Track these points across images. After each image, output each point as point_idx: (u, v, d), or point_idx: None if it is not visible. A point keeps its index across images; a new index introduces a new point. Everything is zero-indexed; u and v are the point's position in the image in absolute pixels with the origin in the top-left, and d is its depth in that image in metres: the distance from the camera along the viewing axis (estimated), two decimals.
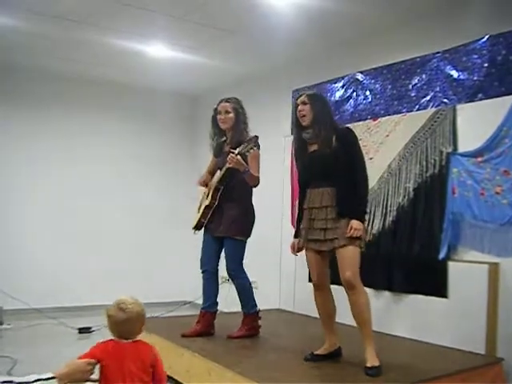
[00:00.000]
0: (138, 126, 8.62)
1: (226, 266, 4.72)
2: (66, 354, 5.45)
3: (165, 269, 8.55)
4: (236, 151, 4.38)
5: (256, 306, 4.79)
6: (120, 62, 7.26)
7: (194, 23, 5.72)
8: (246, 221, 4.69)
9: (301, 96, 4.11)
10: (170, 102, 8.81)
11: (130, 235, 8.40)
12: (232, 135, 4.71)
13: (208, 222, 4.75)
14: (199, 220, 4.77)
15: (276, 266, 6.54)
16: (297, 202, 6.28)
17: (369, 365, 3.68)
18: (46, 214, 7.80)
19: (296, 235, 4.24)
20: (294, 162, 4.42)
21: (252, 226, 4.76)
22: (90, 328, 6.47)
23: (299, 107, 4.05)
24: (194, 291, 7.70)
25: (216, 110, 4.80)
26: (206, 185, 4.90)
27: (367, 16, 5.40)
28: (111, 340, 2.77)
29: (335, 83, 6.09)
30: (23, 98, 7.72)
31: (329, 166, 3.90)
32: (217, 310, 4.84)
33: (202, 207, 4.77)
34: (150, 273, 8.40)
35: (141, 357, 2.73)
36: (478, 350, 4.32)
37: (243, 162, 4.40)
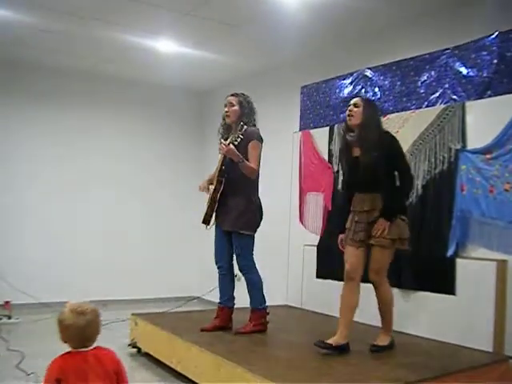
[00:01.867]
0: (145, 121, 8.63)
1: (237, 262, 4.75)
2: None
3: (172, 264, 8.56)
4: (227, 141, 4.46)
5: (265, 302, 4.80)
6: (127, 58, 7.27)
7: (202, 19, 5.72)
8: (251, 214, 4.70)
9: (355, 97, 4.34)
10: (177, 97, 8.81)
11: (138, 231, 8.42)
12: (235, 128, 4.68)
13: (216, 215, 4.76)
14: (206, 213, 4.78)
15: (284, 263, 6.55)
16: (306, 199, 6.35)
17: (375, 342, 4.21)
18: (56, 210, 7.82)
19: (342, 231, 4.38)
20: (339, 161, 4.60)
21: (259, 219, 4.77)
22: None
23: (350, 107, 4.21)
24: (202, 286, 7.75)
25: (224, 104, 4.84)
26: (208, 186, 4.92)
27: (376, 12, 5.38)
28: (68, 353, 2.48)
29: (344, 79, 6.07)
30: (30, 93, 7.74)
31: (370, 174, 4.07)
32: (234, 305, 4.89)
33: (208, 202, 4.78)
34: (158, 268, 8.42)
35: (104, 366, 2.47)
36: (486, 348, 4.31)
37: (236, 152, 4.43)
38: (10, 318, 6.68)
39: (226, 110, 4.75)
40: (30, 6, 5.52)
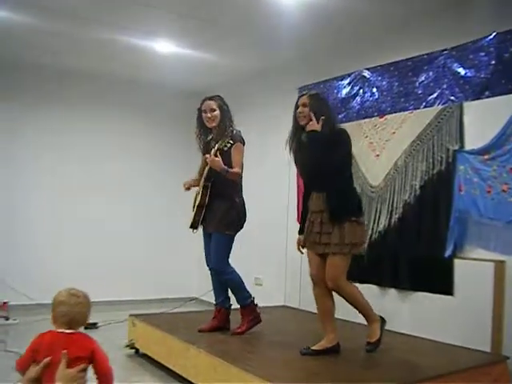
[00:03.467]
0: (143, 121, 8.62)
1: (212, 261, 4.73)
2: None
3: (170, 265, 8.56)
4: (212, 152, 4.48)
5: (250, 296, 4.78)
6: (126, 59, 7.27)
7: (200, 20, 5.72)
8: (233, 215, 4.67)
9: (302, 96, 4.21)
10: (175, 98, 8.80)
11: (135, 232, 8.42)
12: (218, 132, 4.70)
13: (202, 220, 4.77)
14: (193, 219, 4.80)
15: (281, 263, 6.54)
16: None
17: (368, 340, 4.01)
18: (53, 211, 7.81)
19: (300, 232, 4.33)
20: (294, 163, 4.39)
21: (241, 219, 4.74)
22: (95, 324, 6.47)
23: (299, 108, 4.14)
24: (200, 287, 7.74)
25: (200, 109, 4.83)
26: (191, 187, 5.00)
27: (374, 13, 5.38)
28: (51, 331, 2.62)
29: (342, 80, 6.08)
30: (28, 94, 7.72)
31: (317, 173, 3.99)
32: (231, 305, 4.88)
33: (195, 207, 4.80)
34: (156, 269, 8.42)
35: (78, 350, 2.58)
36: (484, 348, 4.32)
37: (222, 166, 4.43)
38: (7, 319, 6.67)
39: (209, 115, 4.72)
40: (30, 6, 5.51)
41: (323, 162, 3.92)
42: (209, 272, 4.88)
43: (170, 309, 6.87)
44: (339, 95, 6.07)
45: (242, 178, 4.72)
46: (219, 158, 4.44)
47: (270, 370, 3.62)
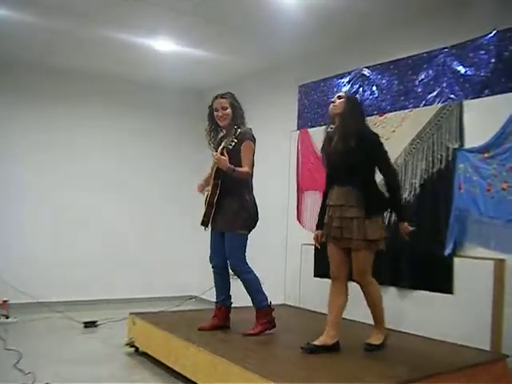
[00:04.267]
0: (143, 120, 8.61)
1: (229, 262, 4.72)
2: (71, 348, 5.51)
3: (170, 264, 8.56)
4: (218, 150, 4.46)
5: (266, 299, 4.74)
6: (126, 57, 7.25)
7: (201, 18, 5.71)
8: (244, 214, 4.65)
9: (340, 92, 4.39)
10: (175, 97, 8.80)
11: (136, 230, 8.42)
12: (229, 130, 4.68)
13: (212, 217, 4.73)
14: (204, 216, 4.76)
15: (281, 262, 6.55)
16: (303, 197, 6.36)
17: (368, 341, 4.17)
18: (52, 209, 7.82)
19: (317, 227, 4.36)
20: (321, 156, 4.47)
21: (253, 218, 4.73)
22: (95, 322, 6.48)
23: (334, 98, 4.23)
24: (200, 286, 7.74)
25: (211, 106, 4.79)
26: (202, 187, 4.93)
27: (373, 11, 5.38)
28: None
29: (341, 78, 6.08)
30: (28, 93, 7.72)
31: (350, 165, 4.01)
32: (231, 303, 4.88)
33: (206, 204, 4.76)
34: (157, 267, 8.43)
35: None
36: (483, 347, 4.32)
37: (227, 164, 4.41)
38: (7, 317, 6.67)
39: (220, 113, 4.70)
40: (28, 4, 5.51)
41: (353, 154, 3.99)
42: (211, 270, 4.88)
43: (169, 307, 6.87)
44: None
45: (252, 176, 4.71)
46: (226, 157, 4.42)
47: (270, 369, 3.62)
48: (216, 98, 4.76)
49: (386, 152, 4.13)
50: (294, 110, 6.71)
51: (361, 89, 5.83)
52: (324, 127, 5.88)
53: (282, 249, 6.56)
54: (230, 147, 4.47)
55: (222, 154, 4.45)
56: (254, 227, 4.75)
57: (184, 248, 8.61)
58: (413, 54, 5.29)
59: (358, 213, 3.99)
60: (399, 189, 4.35)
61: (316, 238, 4.36)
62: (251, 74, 7.63)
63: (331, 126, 4.22)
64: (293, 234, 6.43)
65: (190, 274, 8.41)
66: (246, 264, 4.72)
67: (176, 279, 8.48)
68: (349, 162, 4.00)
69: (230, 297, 4.87)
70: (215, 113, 4.73)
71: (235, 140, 4.48)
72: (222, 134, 4.83)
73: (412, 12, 5.31)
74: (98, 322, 6.50)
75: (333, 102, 4.20)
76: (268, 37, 6.20)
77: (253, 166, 4.68)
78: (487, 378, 3.95)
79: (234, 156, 4.51)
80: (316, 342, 4.06)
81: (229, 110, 4.68)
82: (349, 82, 5.99)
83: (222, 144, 4.51)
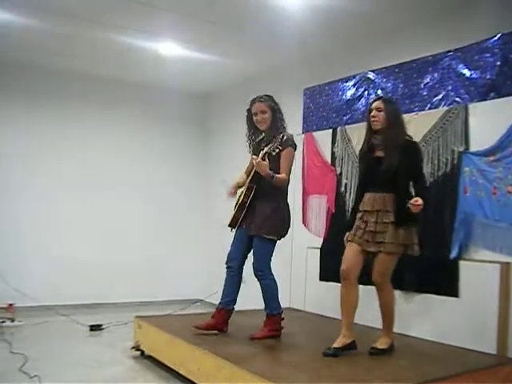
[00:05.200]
0: (148, 123, 8.65)
1: (254, 265, 4.65)
2: (76, 351, 5.51)
3: (176, 267, 8.57)
4: (259, 155, 4.39)
5: (280, 307, 4.73)
6: (130, 60, 7.28)
7: (205, 21, 5.73)
8: (277, 219, 4.60)
9: (376, 101, 4.29)
10: (180, 99, 8.83)
11: (142, 234, 8.44)
12: (269, 134, 4.64)
13: (242, 219, 4.69)
14: (233, 217, 4.71)
15: (287, 265, 6.53)
16: (309, 201, 6.35)
17: (374, 345, 4.19)
18: (58, 212, 7.84)
19: (348, 229, 4.36)
20: (358, 161, 4.59)
21: (285, 224, 4.69)
22: (100, 325, 6.49)
23: (373, 112, 4.21)
24: (205, 289, 7.75)
25: (250, 110, 4.73)
26: (236, 190, 4.83)
27: (379, 15, 5.39)
28: None
29: (346, 82, 6.07)
30: (30, 95, 7.77)
31: (390, 173, 4.08)
32: (233, 309, 4.80)
33: (237, 206, 4.71)
34: (162, 271, 8.44)
35: None
36: (489, 350, 4.30)
37: (266, 169, 4.36)
38: (13, 320, 6.69)
39: (259, 118, 4.63)
40: (34, 8, 5.54)
41: (396, 167, 4.07)
42: (225, 269, 4.81)
43: (175, 311, 6.88)
44: (344, 97, 6.06)
45: (289, 183, 4.67)
46: (266, 162, 4.37)
47: (275, 372, 3.62)
48: (254, 101, 4.69)
49: (422, 158, 4.34)
50: (298, 113, 6.70)
51: (366, 92, 5.83)
52: (329, 130, 5.98)
53: (288, 252, 6.54)
54: (274, 154, 4.43)
55: (263, 159, 4.39)
56: (285, 235, 4.71)
57: (189, 251, 8.62)
58: (418, 57, 5.28)
59: (395, 218, 4.08)
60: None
61: (347, 239, 4.34)
62: (255, 77, 7.64)
63: (375, 136, 4.24)
64: (298, 238, 6.41)
65: (195, 277, 8.42)
66: (270, 270, 4.70)
67: (181, 283, 8.49)
68: (389, 171, 4.08)
69: (234, 301, 4.80)
70: (254, 117, 4.67)
71: (279, 147, 4.45)
72: (260, 137, 4.77)
73: (417, 15, 5.32)
74: (104, 326, 6.51)
75: (372, 115, 4.21)
76: (272, 40, 6.21)
77: (290, 172, 4.65)
78: (493, 381, 3.93)
79: (274, 162, 4.48)
80: (335, 345, 4.06)
81: (268, 114, 4.63)
82: (354, 86, 5.98)
83: (265, 149, 4.42)
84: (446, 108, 4.97)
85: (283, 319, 4.76)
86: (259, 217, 4.58)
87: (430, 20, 5.30)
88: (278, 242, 4.69)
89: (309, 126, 6.55)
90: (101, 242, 8.08)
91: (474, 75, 4.79)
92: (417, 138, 5.09)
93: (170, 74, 7.80)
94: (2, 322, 6.58)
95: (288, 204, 4.74)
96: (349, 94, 6.03)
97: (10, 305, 6.93)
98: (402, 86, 5.45)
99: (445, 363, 4.04)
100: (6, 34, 6.36)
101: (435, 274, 4.82)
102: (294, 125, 6.74)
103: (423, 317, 4.88)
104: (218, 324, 4.71)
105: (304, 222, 6.39)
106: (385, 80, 5.63)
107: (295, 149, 4.67)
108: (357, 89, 5.96)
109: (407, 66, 5.39)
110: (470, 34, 4.85)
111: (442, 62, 5.06)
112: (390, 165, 4.08)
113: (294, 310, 6.19)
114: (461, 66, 4.89)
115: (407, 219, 4.04)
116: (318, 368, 3.76)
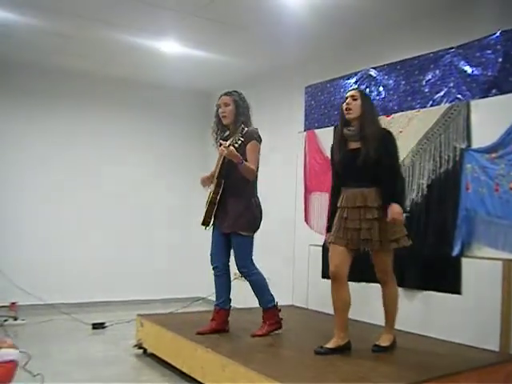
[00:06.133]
0: (149, 123, 8.64)
1: (236, 263, 4.67)
2: (79, 350, 5.52)
3: (178, 265, 8.59)
4: (227, 143, 4.34)
5: (273, 299, 4.73)
6: (131, 59, 7.28)
7: (206, 19, 5.72)
8: (250, 215, 4.61)
9: (351, 90, 4.21)
10: (181, 98, 8.83)
11: (143, 232, 8.44)
12: (233, 129, 4.62)
13: (215, 217, 4.69)
14: (205, 215, 4.71)
15: (289, 263, 6.54)
16: (311, 199, 6.34)
17: (377, 342, 4.17)
18: (60, 211, 7.85)
19: (328, 230, 4.28)
20: (330, 157, 4.42)
21: (258, 220, 4.68)
22: (103, 324, 6.50)
23: (348, 100, 4.09)
24: (207, 287, 7.75)
25: (217, 104, 4.76)
26: (209, 182, 4.84)
27: (380, 12, 5.38)
28: None
29: (348, 79, 6.06)
30: (34, 95, 7.77)
31: (369, 166, 3.94)
32: (230, 307, 4.82)
33: (207, 203, 4.71)
34: (163, 269, 8.45)
35: None
36: (492, 348, 4.30)
37: (236, 154, 4.32)
38: (16, 319, 6.70)
39: (222, 110, 4.66)
40: (35, 8, 5.53)
41: (375, 159, 3.93)
42: (212, 271, 4.83)
43: (177, 309, 6.88)
44: (345, 94, 6.04)
45: (257, 177, 4.65)
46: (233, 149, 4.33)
47: (278, 370, 3.62)
48: (221, 95, 4.74)
49: (397, 149, 4.13)
50: (300, 111, 6.70)
51: (368, 89, 5.81)
52: (330, 128, 5.96)
53: (290, 250, 6.55)
54: (236, 145, 4.37)
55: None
56: (257, 229, 4.69)
57: (190, 249, 8.62)
58: (419, 54, 5.27)
59: (379, 214, 3.95)
60: (401, 194, 4.24)
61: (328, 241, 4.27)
62: (257, 75, 7.64)
63: (349, 128, 4.11)
64: (300, 235, 6.42)
65: (196, 275, 8.41)
66: (253, 265, 4.69)
67: (183, 281, 8.50)
68: (367, 162, 3.94)
69: (229, 300, 4.81)
70: (219, 110, 4.71)
71: (241, 139, 4.39)
72: (227, 133, 4.77)
73: (418, 12, 5.31)
74: (106, 324, 6.52)
75: (347, 103, 4.09)
76: (274, 38, 6.21)
77: (258, 167, 4.63)
78: (496, 379, 3.93)
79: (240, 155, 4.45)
80: (328, 345, 4.05)
81: (231, 108, 4.64)
82: (356, 83, 5.97)
83: (228, 142, 4.37)
84: (447, 105, 4.96)
85: (280, 310, 4.76)
86: (232, 214, 4.58)
87: (432, 17, 5.29)
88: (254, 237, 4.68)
89: (310, 124, 6.55)
90: (104, 241, 8.09)
91: (475, 72, 4.78)
92: (419, 135, 5.12)
93: (172, 73, 7.80)
94: (5, 320, 6.59)
95: (259, 199, 4.72)
96: (353, 88, 6.02)
97: (13, 303, 6.95)
98: (403, 82, 5.45)
99: (447, 361, 4.03)
100: (9, 34, 6.36)
101: (437, 271, 4.82)
102: (295, 122, 6.79)
103: (425, 314, 4.88)
104: (219, 325, 4.72)
105: (306, 219, 6.39)
106: (386, 77, 5.62)
107: (260, 142, 4.63)
108: (358, 86, 5.94)
109: (409, 62, 5.38)
110: (472, 30, 4.84)
111: (443, 58, 5.06)
112: (367, 156, 3.94)
113: (296, 307, 6.20)
114: (462, 62, 4.88)
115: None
116: (321, 366, 3.76)
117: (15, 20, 5.89)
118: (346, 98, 4.14)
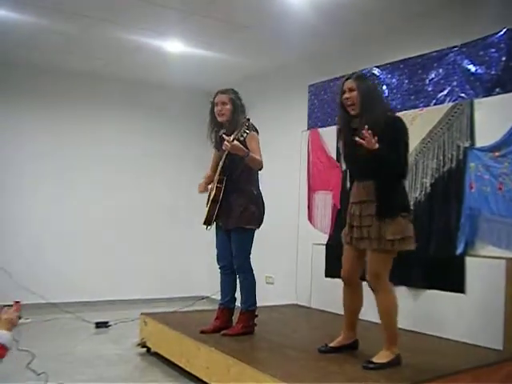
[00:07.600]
0: (152, 121, 8.64)
1: (233, 261, 4.63)
2: (83, 348, 5.53)
3: (181, 264, 8.59)
4: (231, 137, 4.28)
5: (255, 304, 4.68)
6: (134, 58, 7.28)
7: (209, 18, 5.72)
8: (253, 208, 4.54)
9: (347, 79, 3.80)
10: (184, 97, 8.81)
11: (147, 230, 8.45)
12: (229, 126, 4.58)
13: (217, 216, 4.63)
14: (207, 215, 4.65)
15: (292, 262, 6.54)
16: (314, 197, 6.35)
17: (372, 359, 3.68)
18: (63, 211, 7.85)
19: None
20: (341, 151, 4.25)
21: (261, 213, 4.63)
22: (107, 322, 6.51)
23: (345, 94, 3.77)
24: (211, 286, 7.75)
25: (213, 102, 4.72)
26: (207, 186, 4.81)
27: (383, 11, 5.37)
28: None
29: None
30: (37, 95, 7.78)
31: (369, 158, 3.55)
32: (235, 306, 4.80)
33: (209, 202, 4.66)
34: (167, 268, 8.45)
35: None
36: (496, 346, 4.30)
37: (241, 147, 4.29)
38: (19, 318, 6.69)
39: (220, 109, 4.62)
40: (37, 7, 5.53)
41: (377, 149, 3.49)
42: (219, 270, 4.83)
43: (181, 307, 6.89)
44: (343, 86, 6.04)
45: (262, 166, 4.55)
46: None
47: (282, 369, 3.62)
48: (217, 93, 4.70)
49: (404, 136, 3.68)
50: (303, 110, 6.70)
51: None
52: (333, 126, 5.95)
53: (293, 249, 6.55)
54: (242, 138, 4.32)
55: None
56: (261, 222, 4.62)
57: (194, 248, 8.62)
58: (423, 52, 5.27)
59: (376, 209, 3.66)
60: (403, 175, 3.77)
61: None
62: (260, 74, 7.64)
63: (354, 120, 3.76)
64: (304, 234, 6.42)
65: (200, 274, 8.42)
66: (250, 265, 4.66)
67: (187, 280, 8.51)
68: (367, 154, 3.53)
69: (234, 299, 4.79)
70: (215, 108, 4.67)
71: (247, 131, 4.33)
72: (223, 131, 4.69)
73: (421, 11, 5.31)
74: (110, 323, 6.52)
75: (346, 98, 3.75)
76: (277, 37, 6.20)
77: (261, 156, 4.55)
78: (499, 377, 3.93)
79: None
80: (332, 344, 4.03)
81: (228, 106, 4.60)
82: None
83: (232, 136, 4.29)
84: (451, 104, 4.96)
85: (257, 316, 4.72)
86: (235, 209, 4.52)
87: (435, 15, 5.28)
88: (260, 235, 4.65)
89: (314, 123, 6.55)
90: (107, 240, 8.09)
91: (479, 71, 4.77)
92: (422, 134, 5.12)
93: (175, 72, 7.77)
94: None
95: (260, 191, 4.67)
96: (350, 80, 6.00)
97: (17, 302, 6.94)
98: (407, 81, 5.44)
99: (451, 359, 4.04)
100: (15, 34, 6.36)
101: (441, 270, 4.82)
102: (299, 121, 6.78)
103: (429, 313, 4.88)
104: (222, 324, 4.70)
105: (309, 218, 6.40)
106: (390, 76, 5.62)
107: (258, 133, 4.59)
108: None
109: (412, 61, 5.38)
110: (475, 29, 4.83)
111: (447, 57, 5.05)
112: (367, 149, 3.50)
113: (300, 306, 6.19)
114: (466, 61, 4.88)
115: (392, 209, 3.61)
116: (326, 366, 3.75)
117: (23, 20, 5.89)
118: (343, 92, 3.79)
